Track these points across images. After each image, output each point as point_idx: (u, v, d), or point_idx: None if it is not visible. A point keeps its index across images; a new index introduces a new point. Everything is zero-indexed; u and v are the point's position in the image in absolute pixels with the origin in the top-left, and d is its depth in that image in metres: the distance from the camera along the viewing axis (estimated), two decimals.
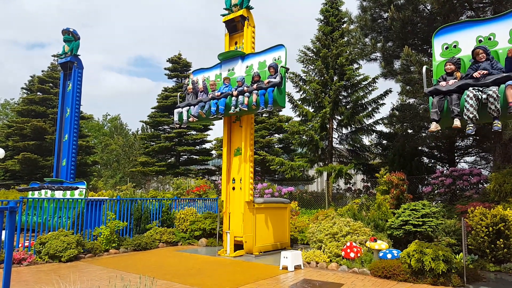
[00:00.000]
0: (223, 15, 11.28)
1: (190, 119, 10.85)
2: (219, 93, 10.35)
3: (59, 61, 15.38)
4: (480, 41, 6.35)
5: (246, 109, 9.79)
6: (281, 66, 9.77)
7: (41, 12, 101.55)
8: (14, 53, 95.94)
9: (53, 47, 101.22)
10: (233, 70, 10.94)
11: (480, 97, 5.72)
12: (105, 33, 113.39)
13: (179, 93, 11.97)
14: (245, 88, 9.86)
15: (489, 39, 6.29)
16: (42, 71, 33.41)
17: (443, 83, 6.20)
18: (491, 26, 6.31)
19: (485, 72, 5.83)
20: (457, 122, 5.90)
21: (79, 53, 15.13)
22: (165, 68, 32.67)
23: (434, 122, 6.11)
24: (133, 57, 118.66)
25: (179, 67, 32.32)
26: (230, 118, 11.13)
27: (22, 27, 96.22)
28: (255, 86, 9.76)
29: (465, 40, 6.52)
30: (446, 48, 6.71)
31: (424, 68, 6.58)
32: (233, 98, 9.99)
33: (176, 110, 11.28)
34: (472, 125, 5.75)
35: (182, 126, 11.31)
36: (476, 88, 5.79)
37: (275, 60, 10.05)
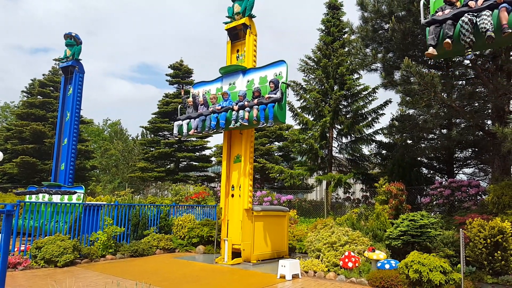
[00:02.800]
0: (226, 23, 11.35)
1: (190, 132, 10.86)
2: (220, 107, 10.36)
3: (61, 65, 15.41)
4: None
5: (246, 124, 9.80)
6: (282, 82, 9.79)
7: (48, 18, 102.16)
8: (18, 57, 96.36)
9: (56, 53, 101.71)
10: (234, 84, 10.97)
11: (474, 20, 6.00)
12: (110, 41, 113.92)
13: (179, 106, 12.00)
14: (246, 103, 9.88)
15: None
16: (43, 74, 33.48)
17: (440, 13, 6.46)
18: None
19: (481, 0, 6.05)
20: (447, 40, 6.16)
21: (80, 57, 15.17)
22: (166, 74, 32.76)
23: (431, 47, 6.39)
24: (138, 64, 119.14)
25: (180, 74, 32.41)
26: None
27: (27, 33, 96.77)
28: (255, 101, 9.77)
29: None
30: None
31: (421, 1, 6.79)
32: (234, 112, 10.01)
33: (176, 123, 11.29)
34: (470, 49, 6.01)
35: (182, 139, 11.34)
36: (471, 13, 6.06)
37: (276, 75, 10.07)
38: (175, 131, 11.25)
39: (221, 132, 11.00)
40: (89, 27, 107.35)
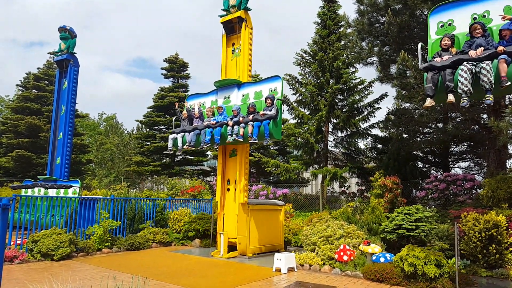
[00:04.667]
0: (221, 16, 11.29)
1: (185, 147, 10.76)
2: (215, 121, 10.26)
3: (55, 58, 15.29)
4: (474, 18, 6.46)
5: (241, 140, 9.73)
6: (277, 99, 9.70)
7: (43, 13, 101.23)
8: (12, 51, 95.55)
9: (51, 47, 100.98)
10: (229, 98, 10.90)
11: (474, 70, 5.87)
12: (106, 35, 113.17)
13: (174, 118, 11.83)
14: (241, 119, 9.80)
15: (484, 16, 6.40)
16: (38, 68, 33.18)
17: (437, 59, 6.33)
18: (485, 4, 6.42)
19: (482, 49, 5.95)
20: (451, 97, 6.00)
21: (75, 51, 15.06)
22: (161, 68, 32.59)
23: (429, 98, 6.22)
24: (134, 58, 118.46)
25: (175, 67, 32.25)
26: None
27: (23, 27, 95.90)
28: (250, 117, 9.68)
29: (460, 18, 6.63)
30: (442, 26, 6.83)
31: (419, 44, 6.69)
32: (229, 128, 9.92)
33: (170, 136, 11.13)
34: (466, 98, 5.87)
35: (176, 153, 11.27)
36: (470, 62, 5.93)
37: (271, 91, 9.99)
38: (170, 144, 11.10)
39: (216, 148, 10.92)
40: (85, 21, 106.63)
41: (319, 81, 20.85)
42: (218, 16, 11.33)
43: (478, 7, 6.47)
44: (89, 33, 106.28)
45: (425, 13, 13.35)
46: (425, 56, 7.00)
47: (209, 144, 10.31)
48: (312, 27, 30.81)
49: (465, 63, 5.93)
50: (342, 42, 20.51)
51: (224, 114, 10.49)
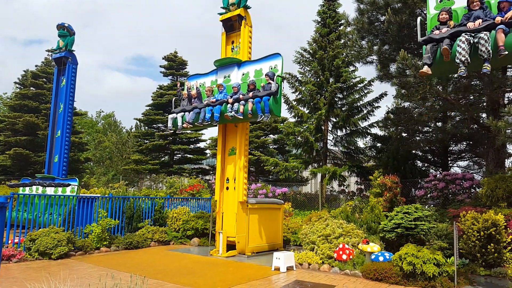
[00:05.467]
0: (220, 14, 11.25)
1: (185, 125, 10.76)
2: (214, 99, 10.27)
3: (53, 56, 15.22)
4: None
5: (241, 117, 9.74)
6: (277, 75, 9.71)
7: (43, 10, 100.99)
8: (11, 49, 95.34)
9: (50, 44, 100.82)
10: (229, 77, 10.88)
11: (472, 41, 5.98)
12: (106, 33, 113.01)
13: (174, 98, 11.85)
14: (241, 96, 9.80)
15: None
16: (36, 66, 33.09)
17: (436, 32, 6.43)
18: None
19: (480, 21, 6.04)
20: (446, 46, 6.13)
21: (74, 48, 15.00)
22: (160, 66, 32.56)
23: (426, 66, 6.35)
24: (133, 56, 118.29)
25: (174, 65, 32.22)
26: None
27: (22, 24, 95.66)
28: (250, 94, 9.70)
29: None
30: (440, 1, 6.91)
31: (418, 19, 6.80)
32: (229, 105, 9.93)
33: (170, 116, 11.15)
34: (464, 67, 5.98)
35: (176, 132, 11.22)
36: (468, 33, 6.04)
37: (271, 68, 9.99)
38: (170, 124, 11.16)
39: (216, 125, 10.94)
40: (85, 19, 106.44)
41: (318, 79, 20.82)
42: (218, 14, 11.29)
43: None
44: (89, 31, 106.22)
45: (425, 12, 13.34)
46: (425, 31, 7.07)
47: (208, 122, 10.29)
48: (312, 25, 30.76)
49: (463, 34, 6.06)
50: (342, 41, 20.46)
51: (224, 92, 10.50)
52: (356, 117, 20.38)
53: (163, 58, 32.61)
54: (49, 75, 31.36)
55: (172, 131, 11.29)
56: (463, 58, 5.91)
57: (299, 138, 20.68)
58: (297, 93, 21.36)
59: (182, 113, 10.91)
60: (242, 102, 9.74)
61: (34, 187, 13.32)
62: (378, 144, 20.26)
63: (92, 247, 10.28)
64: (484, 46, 5.80)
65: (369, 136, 20.60)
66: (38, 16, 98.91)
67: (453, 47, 6.16)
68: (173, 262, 9.22)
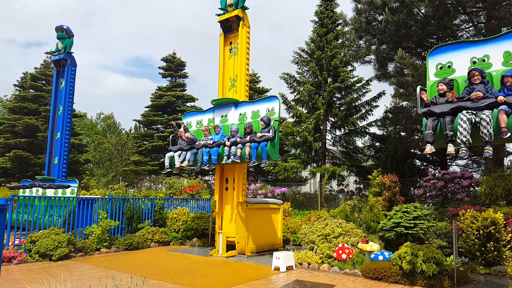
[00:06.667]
0: (218, 15, 11.25)
1: (184, 164, 10.43)
2: (212, 141, 10.14)
3: (52, 58, 15.25)
4: (474, 62, 6.33)
5: (239, 161, 9.63)
6: (275, 120, 9.61)
7: (42, 11, 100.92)
8: (10, 51, 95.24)
9: (49, 46, 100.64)
10: (226, 116, 10.79)
11: (473, 120, 5.70)
12: (105, 34, 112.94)
13: (170, 136, 11.66)
14: (238, 139, 9.68)
15: (483, 60, 6.27)
16: (35, 68, 33.07)
17: (435, 107, 6.14)
18: (485, 48, 6.27)
19: (481, 94, 5.81)
20: (450, 148, 5.88)
21: (72, 50, 15.03)
22: (159, 67, 32.57)
23: (429, 144, 6.04)
24: (133, 58, 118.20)
25: (173, 66, 32.25)
26: None
27: (21, 26, 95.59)
28: (248, 138, 9.58)
29: (459, 61, 6.49)
30: (441, 68, 6.66)
31: (418, 88, 6.46)
32: (226, 148, 9.80)
33: (167, 155, 10.88)
34: (465, 148, 5.72)
35: (173, 171, 11.09)
36: (470, 111, 5.77)
37: (268, 111, 9.90)
38: (167, 163, 10.83)
39: (213, 168, 10.87)
40: (84, 19, 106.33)
41: (316, 79, 20.87)
42: (216, 15, 11.30)
43: (477, 50, 6.33)
44: (88, 32, 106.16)
45: (423, 11, 13.39)
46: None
47: (206, 164, 10.18)
48: (310, 25, 30.75)
49: (464, 112, 5.78)
50: (340, 41, 20.53)
51: (221, 133, 10.34)
52: (354, 116, 20.44)
53: (161, 60, 32.69)
54: (48, 77, 31.36)
55: (170, 170, 11.08)
56: (464, 139, 5.66)
57: (297, 138, 20.73)
58: (295, 93, 21.43)
59: (180, 152, 10.71)
60: (240, 145, 9.62)
61: (34, 189, 13.34)
62: (377, 144, 20.32)
63: (92, 248, 10.30)
64: (486, 129, 5.54)
65: (367, 135, 20.66)
66: (37, 18, 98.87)
67: (454, 124, 5.86)
68: (173, 262, 9.24)
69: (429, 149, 6.08)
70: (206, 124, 11.11)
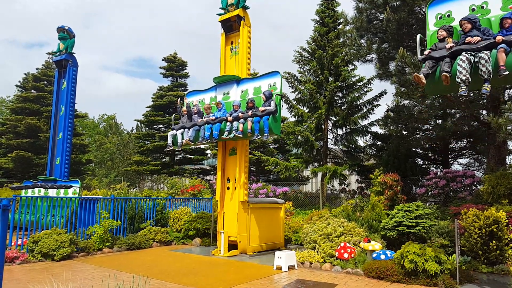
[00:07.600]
0: (219, 15, 11.26)
1: (184, 142, 10.66)
2: (214, 117, 10.22)
3: (54, 59, 15.27)
4: (473, 9, 6.44)
5: (241, 135, 9.71)
6: (276, 94, 9.68)
7: (45, 12, 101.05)
8: (12, 52, 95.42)
9: (51, 47, 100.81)
10: (228, 94, 10.87)
11: (472, 60, 5.88)
12: (107, 35, 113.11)
13: (173, 115, 11.79)
14: (240, 114, 9.76)
15: (482, 7, 6.39)
16: (37, 68, 33.14)
17: (435, 51, 6.35)
18: None
19: (478, 38, 5.95)
20: (446, 74, 6.03)
21: (74, 51, 15.05)
22: (160, 67, 32.59)
23: (422, 75, 6.22)
24: (135, 58, 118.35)
25: (174, 66, 32.25)
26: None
27: (23, 27, 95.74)
28: (250, 113, 9.65)
29: (458, 9, 6.63)
30: (440, 17, 6.82)
31: (418, 36, 6.68)
32: (228, 123, 9.89)
33: (170, 133, 11.07)
34: (464, 87, 5.88)
35: (176, 149, 11.16)
36: (469, 52, 5.94)
37: (270, 86, 9.96)
38: (169, 141, 11.01)
39: (215, 143, 10.88)
40: (86, 20, 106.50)
41: (318, 78, 20.85)
42: (217, 14, 11.31)
43: None
44: (89, 32, 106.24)
45: (424, 10, 13.36)
46: (425, 47, 7.00)
47: (208, 140, 10.27)
48: (311, 24, 30.73)
49: (463, 53, 5.95)
50: (341, 40, 20.48)
51: (223, 110, 10.47)
52: (356, 115, 20.41)
53: (162, 60, 32.66)
54: (50, 78, 31.41)
55: (172, 148, 11.20)
56: (464, 78, 5.79)
57: (299, 137, 20.72)
58: (296, 93, 21.40)
59: (182, 130, 10.85)
60: (242, 120, 9.69)
61: (36, 189, 13.36)
62: (379, 143, 20.28)
63: (94, 248, 10.32)
64: (484, 66, 5.68)
65: (369, 134, 20.63)
66: (39, 18, 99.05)
67: (453, 67, 6.01)
68: (175, 262, 9.25)
69: (421, 76, 6.22)
70: (208, 102, 11.16)
